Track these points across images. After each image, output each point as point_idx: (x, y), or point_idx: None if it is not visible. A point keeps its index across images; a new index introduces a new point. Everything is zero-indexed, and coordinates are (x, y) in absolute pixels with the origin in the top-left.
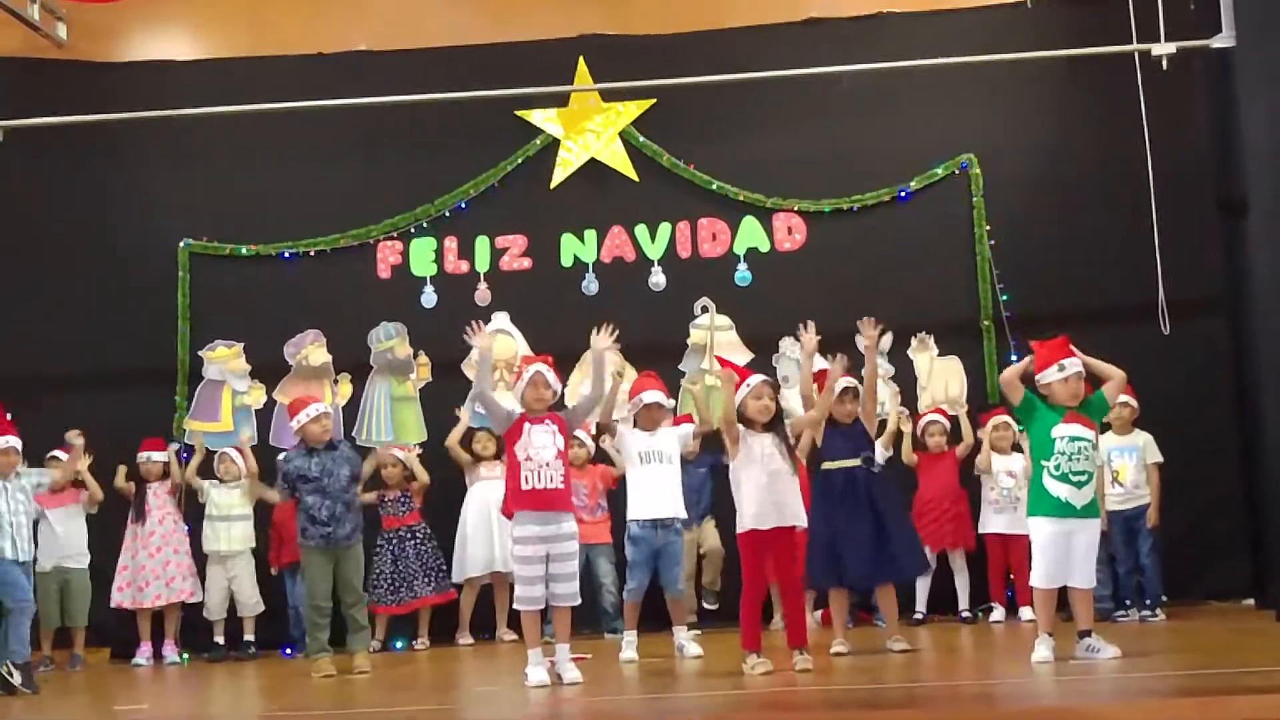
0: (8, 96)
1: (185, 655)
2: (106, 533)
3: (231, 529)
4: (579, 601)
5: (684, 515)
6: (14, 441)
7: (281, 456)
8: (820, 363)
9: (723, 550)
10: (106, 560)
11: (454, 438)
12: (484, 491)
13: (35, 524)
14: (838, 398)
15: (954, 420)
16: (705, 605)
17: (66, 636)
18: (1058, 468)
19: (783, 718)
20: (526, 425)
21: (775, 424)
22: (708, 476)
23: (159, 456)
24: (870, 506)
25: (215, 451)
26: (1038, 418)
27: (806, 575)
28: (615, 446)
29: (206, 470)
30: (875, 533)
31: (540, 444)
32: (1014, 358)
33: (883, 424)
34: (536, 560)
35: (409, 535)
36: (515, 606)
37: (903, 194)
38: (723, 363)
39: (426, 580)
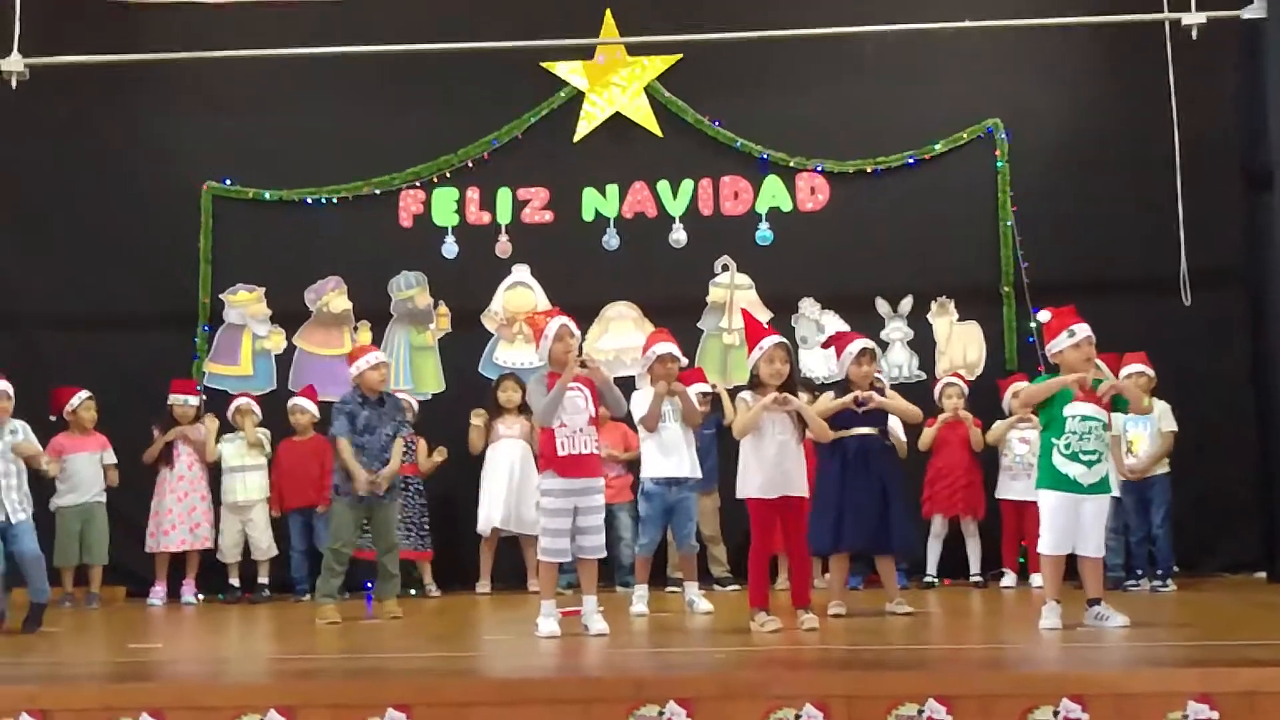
0: (36, 34)
1: (200, 596)
2: (128, 474)
3: (248, 478)
4: (605, 554)
5: (698, 474)
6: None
7: (340, 399)
8: (838, 323)
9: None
10: (123, 500)
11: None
12: (507, 449)
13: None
14: (855, 360)
15: (971, 385)
16: (712, 571)
17: (86, 575)
18: (1068, 446)
19: (790, 675)
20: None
21: (787, 389)
22: (714, 440)
23: (191, 400)
24: (879, 477)
25: (232, 397)
26: (1053, 398)
27: (810, 540)
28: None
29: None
30: (879, 503)
31: (573, 409)
32: (1033, 325)
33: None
34: (564, 513)
35: (402, 485)
36: (539, 557)
37: (918, 159)
38: (746, 316)
39: (407, 533)
